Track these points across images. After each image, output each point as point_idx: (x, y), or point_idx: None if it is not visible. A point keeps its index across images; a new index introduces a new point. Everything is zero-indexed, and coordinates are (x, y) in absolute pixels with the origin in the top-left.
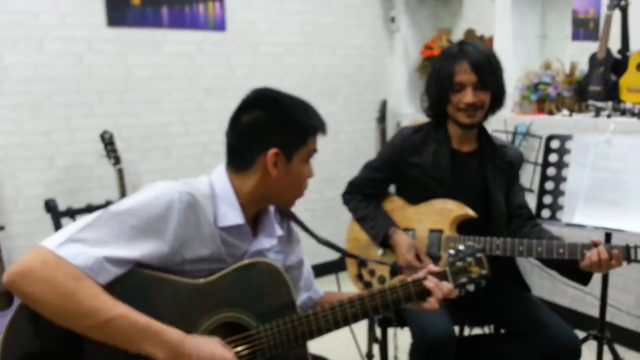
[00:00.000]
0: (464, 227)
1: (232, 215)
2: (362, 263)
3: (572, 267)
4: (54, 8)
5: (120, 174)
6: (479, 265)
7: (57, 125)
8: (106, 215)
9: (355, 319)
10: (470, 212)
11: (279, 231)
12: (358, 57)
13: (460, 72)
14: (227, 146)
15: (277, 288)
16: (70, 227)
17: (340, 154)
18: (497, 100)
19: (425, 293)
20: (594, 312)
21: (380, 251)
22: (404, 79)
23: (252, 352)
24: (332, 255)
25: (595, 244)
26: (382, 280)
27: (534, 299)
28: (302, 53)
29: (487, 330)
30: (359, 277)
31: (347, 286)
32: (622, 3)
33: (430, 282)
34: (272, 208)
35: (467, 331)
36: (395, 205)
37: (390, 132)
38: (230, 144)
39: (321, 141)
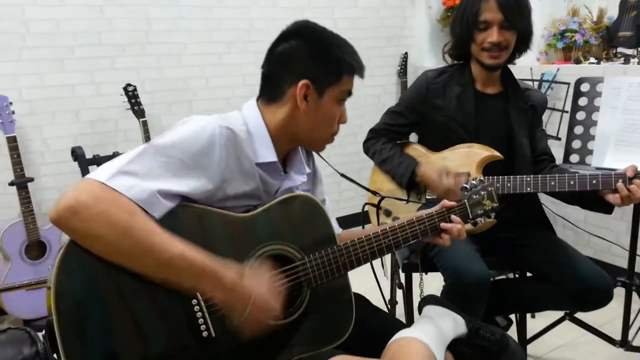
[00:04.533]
0: (488, 169)
1: (265, 152)
2: (380, 201)
3: (595, 197)
4: None
5: (145, 126)
6: (490, 198)
7: (80, 79)
8: (151, 148)
9: (389, 249)
10: (497, 154)
11: (307, 169)
12: (379, 9)
13: (486, 9)
14: (261, 76)
15: (317, 221)
16: (116, 160)
17: (362, 109)
18: (523, 40)
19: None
20: (620, 262)
21: (405, 196)
22: (425, 31)
23: (299, 282)
24: (353, 209)
25: (633, 175)
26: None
27: (562, 242)
28: (322, 6)
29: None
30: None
31: None
32: None
33: (447, 224)
34: (299, 147)
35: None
36: (418, 153)
37: None
38: (264, 73)
39: None
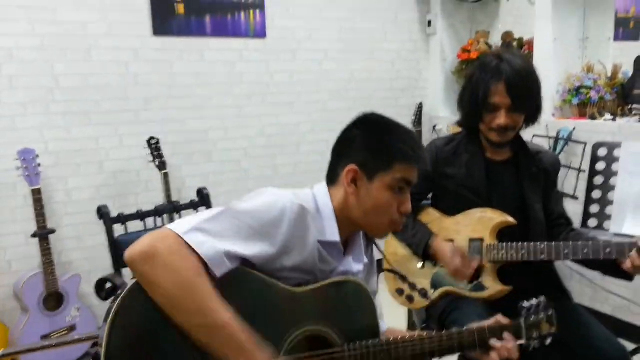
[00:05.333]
0: (502, 235)
1: (330, 230)
2: (402, 277)
3: (615, 265)
4: (101, 18)
5: (166, 178)
6: (549, 322)
7: (105, 131)
8: (228, 212)
9: (432, 355)
10: (510, 219)
11: (365, 259)
12: (395, 61)
13: (495, 93)
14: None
15: (365, 310)
16: (193, 217)
17: None
18: (532, 118)
19: (490, 346)
20: (638, 320)
21: (419, 264)
22: (440, 83)
23: None
24: None
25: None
26: (423, 293)
27: (579, 309)
28: (339, 59)
29: None
30: (400, 291)
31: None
32: None
33: (497, 342)
34: (361, 234)
35: None
36: (431, 218)
37: (426, 135)
38: (330, 161)
39: None
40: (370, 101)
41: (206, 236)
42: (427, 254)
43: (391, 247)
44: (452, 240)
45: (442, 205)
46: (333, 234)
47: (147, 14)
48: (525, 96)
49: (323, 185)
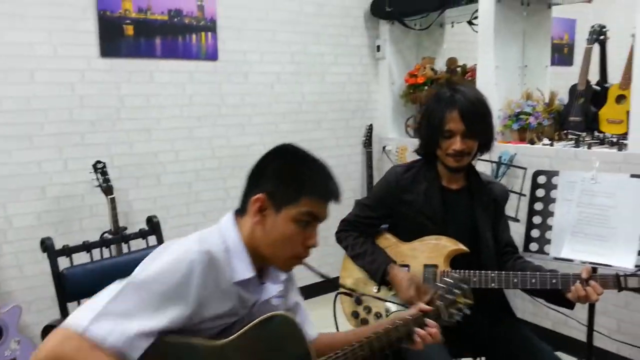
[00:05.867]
0: (455, 261)
1: (243, 269)
2: (357, 300)
3: (558, 295)
4: (47, 39)
5: (113, 203)
6: (465, 295)
7: (48, 155)
8: (132, 285)
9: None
10: (463, 248)
11: (283, 275)
12: (345, 84)
13: (450, 120)
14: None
15: (294, 340)
16: (96, 299)
17: None
18: (485, 144)
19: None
20: (576, 334)
21: (375, 288)
22: (389, 105)
23: None
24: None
25: (587, 278)
26: (378, 316)
27: (526, 333)
28: (291, 82)
29: None
30: (355, 314)
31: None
32: (601, 37)
33: (421, 330)
34: None
35: None
36: (389, 242)
37: (376, 156)
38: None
39: None
40: (322, 123)
41: (112, 321)
42: (383, 280)
43: (347, 271)
44: (407, 266)
45: (399, 230)
46: (245, 271)
47: (95, 35)
48: (478, 123)
49: (229, 217)
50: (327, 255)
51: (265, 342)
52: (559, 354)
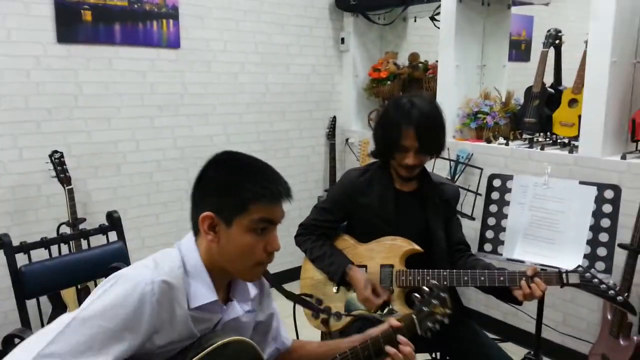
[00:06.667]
0: (410, 261)
1: (204, 293)
2: (318, 311)
3: (506, 291)
4: (0, 24)
5: (71, 193)
6: (443, 305)
7: (2, 144)
8: (75, 322)
9: None
10: (417, 247)
11: (253, 291)
12: (309, 75)
13: (405, 137)
14: None
15: None
16: (36, 340)
17: (292, 169)
18: (436, 154)
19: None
20: (525, 326)
21: (334, 288)
22: (352, 98)
23: None
24: (293, 264)
25: (532, 275)
26: (338, 316)
27: (476, 330)
28: (255, 72)
29: (435, 356)
30: (315, 316)
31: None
32: (557, 42)
33: (392, 349)
34: None
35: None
36: (347, 244)
37: (339, 148)
38: (190, 207)
39: (273, 155)
40: (286, 114)
41: None
42: (342, 281)
43: (307, 272)
44: (365, 266)
45: (356, 232)
46: (207, 294)
47: (51, 20)
48: (432, 140)
49: (189, 238)
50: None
51: None
52: (508, 344)
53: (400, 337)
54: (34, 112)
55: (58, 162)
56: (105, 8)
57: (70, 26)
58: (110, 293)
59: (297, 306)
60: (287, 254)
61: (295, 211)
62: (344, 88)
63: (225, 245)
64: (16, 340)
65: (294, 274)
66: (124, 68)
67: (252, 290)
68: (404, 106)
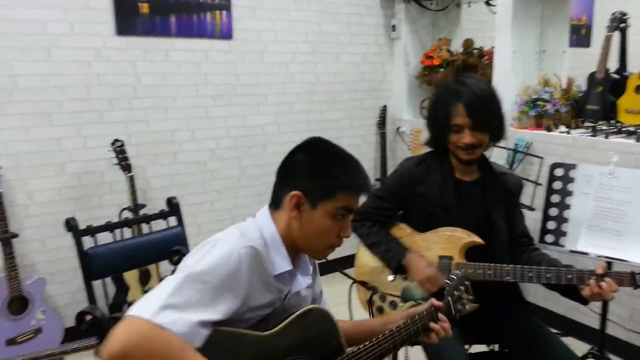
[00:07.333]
0: (469, 253)
1: (281, 262)
2: (373, 289)
3: (573, 290)
4: (63, 17)
5: (132, 180)
6: (467, 291)
7: (67, 132)
8: (188, 278)
9: (387, 354)
10: (478, 240)
11: (310, 268)
12: (360, 64)
13: (456, 115)
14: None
15: (329, 332)
16: (155, 293)
17: None
18: (495, 136)
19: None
20: (588, 321)
21: (390, 277)
22: (403, 86)
23: None
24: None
25: (602, 274)
26: (393, 305)
27: (538, 323)
28: (306, 61)
29: (493, 348)
30: (370, 302)
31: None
32: (622, 25)
33: (436, 325)
34: None
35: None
36: (403, 233)
37: (390, 136)
38: (274, 182)
39: None
40: (336, 103)
41: (175, 312)
42: (399, 268)
43: (361, 260)
44: (422, 256)
45: (412, 221)
46: (285, 263)
47: (110, 13)
48: (485, 114)
49: (265, 212)
50: None
51: (305, 333)
52: (569, 339)
53: (440, 315)
54: (95, 102)
55: (119, 150)
56: (161, 1)
57: (128, 18)
58: (212, 254)
59: (353, 294)
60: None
61: None
62: (395, 76)
63: (306, 224)
64: (87, 317)
65: (344, 262)
66: (180, 59)
67: (310, 267)
68: (451, 86)
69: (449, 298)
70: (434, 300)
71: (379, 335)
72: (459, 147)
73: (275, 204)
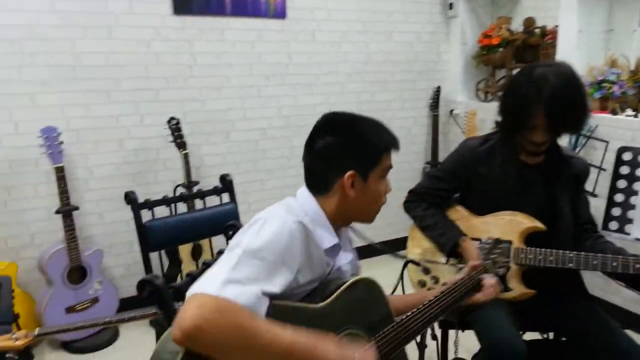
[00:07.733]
0: (531, 239)
1: (328, 237)
2: (425, 270)
3: None
4: None
5: (186, 158)
6: (503, 254)
7: (125, 110)
8: (247, 254)
9: (438, 317)
10: (540, 225)
11: (352, 243)
12: (414, 43)
13: (533, 115)
14: (305, 169)
15: (378, 301)
16: (215, 271)
17: None
18: (573, 130)
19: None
20: None
21: (443, 259)
22: (459, 67)
23: None
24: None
25: None
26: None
27: (599, 311)
28: (358, 40)
29: (547, 336)
30: (422, 283)
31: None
32: None
33: (487, 281)
34: None
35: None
36: (460, 215)
37: (443, 119)
38: (308, 168)
39: None
40: (388, 84)
41: (239, 285)
42: (453, 251)
43: (415, 240)
44: (479, 239)
45: (471, 203)
46: (332, 238)
47: None
48: (563, 119)
49: (305, 193)
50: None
51: (356, 303)
52: (628, 332)
53: (484, 275)
54: (153, 80)
55: (175, 128)
56: None
57: None
58: (266, 230)
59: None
60: (385, 225)
61: (394, 183)
62: (451, 57)
63: (361, 197)
64: (148, 286)
65: (393, 245)
66: (234, 39)
67: (351, 242)
68: (536, 81)
69: (490, 262)
70: (472, 262)
71: (430, 298)
72: (530, 141)
73: (317, 190)
